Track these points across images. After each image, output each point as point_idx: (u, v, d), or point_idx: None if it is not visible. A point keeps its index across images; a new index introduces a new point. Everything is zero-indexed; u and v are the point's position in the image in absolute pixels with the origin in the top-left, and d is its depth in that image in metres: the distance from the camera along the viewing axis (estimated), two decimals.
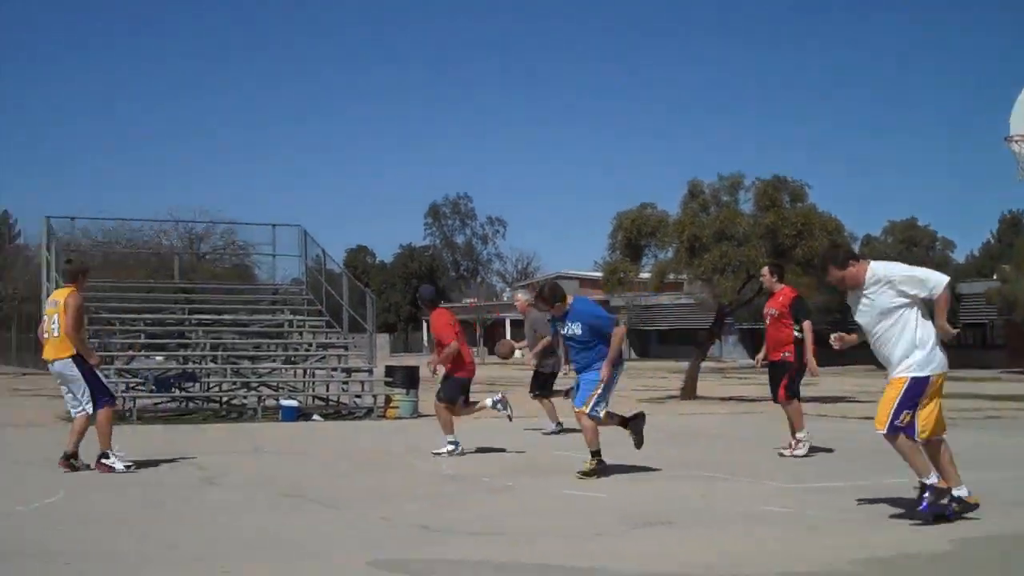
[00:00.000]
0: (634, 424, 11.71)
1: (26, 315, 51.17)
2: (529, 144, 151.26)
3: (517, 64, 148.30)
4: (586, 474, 11.09)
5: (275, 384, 22.17)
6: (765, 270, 13.75)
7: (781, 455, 12.92)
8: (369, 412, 20.84)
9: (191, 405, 21.11)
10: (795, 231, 25.37)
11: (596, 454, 11.28)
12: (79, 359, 11.49)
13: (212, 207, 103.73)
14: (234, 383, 22.19)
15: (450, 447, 13.40)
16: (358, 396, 22.01)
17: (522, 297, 18.08)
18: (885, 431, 8.26)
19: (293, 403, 19.98)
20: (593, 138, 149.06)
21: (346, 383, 22.45)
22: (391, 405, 20.57)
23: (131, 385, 20.72)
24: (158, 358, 24.05)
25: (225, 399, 21.77)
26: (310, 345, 23.53)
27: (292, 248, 26.84)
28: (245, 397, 21.61)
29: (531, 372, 17.33)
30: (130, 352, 22.43)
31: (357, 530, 8.42)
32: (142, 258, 44.82)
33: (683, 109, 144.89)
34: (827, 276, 8.81)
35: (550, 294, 11.74)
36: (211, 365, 21.89)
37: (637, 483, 10.92)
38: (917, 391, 8.24)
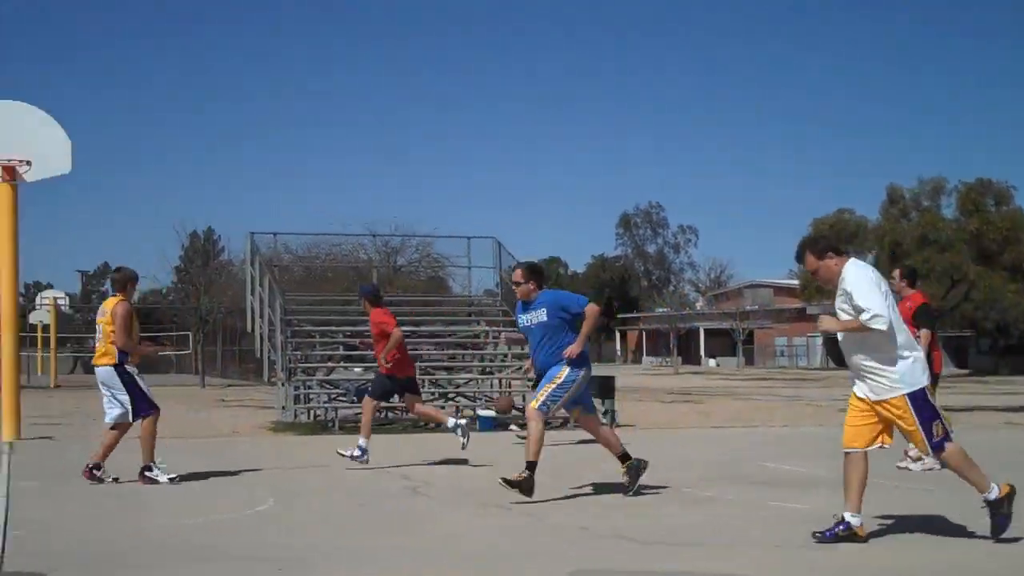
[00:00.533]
0: (634, 468, 10.64)
1: (231, 329, 52.82)
2: (721, 150, 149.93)
3: (708, 71, 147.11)
4: (510, 483, 10.02)
5: (472, 394, 22.40)
6: (896, 273, 13.23)
7: (929, 470, 12.49)
8: (565, 422, 20.83)
9: (390, 415, 21.46)
10: (1001, 235, 24.54)
11: (531, 466, 10.09)
12: (122, 369, 11.66)
13: (407, 220, 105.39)
14: (432, 394, 22.49)
15: (357, 452, 13.13)
16: None
17: None
18: (932, 454, 7.90)
19: (490, 413, 20.12)
20: (784, 142, 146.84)
21: None
22: None
23: (332, 396, 21.18)
24: (356, 369, 24.56)
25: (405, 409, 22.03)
26: (505, 355, 23.69)
27: (486, 260, 27.13)
28: (443, 407, 21.86)
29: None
30: (329, 363, 22.95)
31: (557, 539, 8.43)
32: (341, 271, 45.81)
33: (881, 109, 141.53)
34: (804, 263, 8.34)
35: (527, 271, 10.72)
36: None
37: (840, 495, 10.65)
38: (923, 402, 7.73)
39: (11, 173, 16.65)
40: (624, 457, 10.75)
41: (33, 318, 52.21)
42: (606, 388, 20.74)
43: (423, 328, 24.60)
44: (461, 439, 13.44)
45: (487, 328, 24.81)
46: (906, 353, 7.78)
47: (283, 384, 20.90)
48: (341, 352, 23.33)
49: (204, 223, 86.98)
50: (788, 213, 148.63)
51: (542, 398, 10.30)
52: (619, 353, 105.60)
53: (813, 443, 12.81)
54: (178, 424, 20.96)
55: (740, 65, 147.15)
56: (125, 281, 12.08)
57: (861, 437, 7.95)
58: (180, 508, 10.02)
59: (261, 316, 22.94)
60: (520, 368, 23.30)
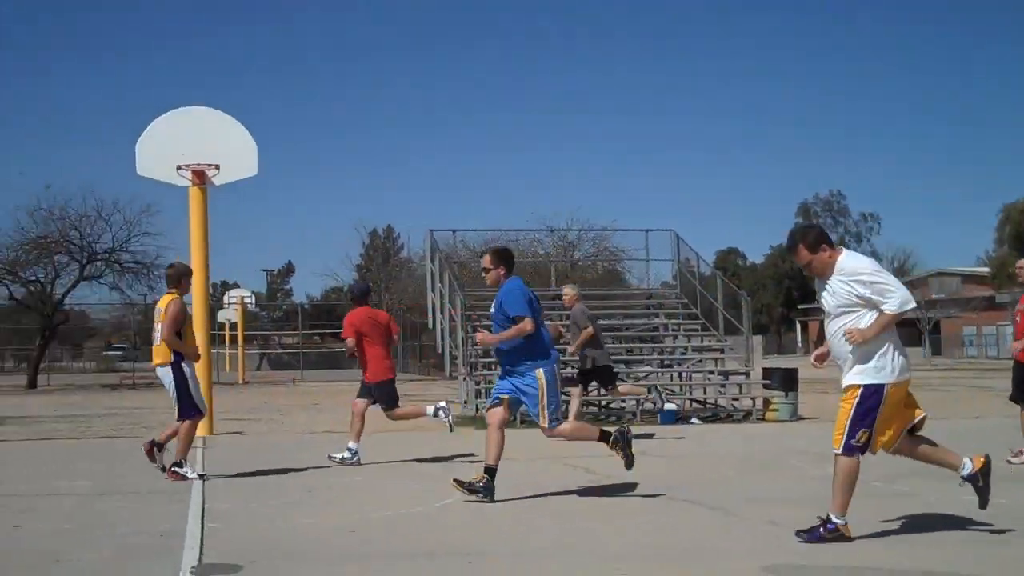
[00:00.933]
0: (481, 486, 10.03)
1: (410, 324, 53.63)
2: (905, 135, 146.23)
3: (889, 53, 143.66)
4: (628, 454, 10.29)
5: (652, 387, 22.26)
6: (1021, 262, 12.65)
7: (1010, 463, 11.98)
8: (747, 415, 20.63)
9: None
10: None
11: (604, 437, 10.36)
12: (176, 368, 11.69)
13: (584, 214, 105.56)
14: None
15: (347, 454, 13.24)
16: (735, 399, 21.82)
17: (569, 291, 17.69)
18: (840, 450, 7.69)
19: (672, 406, 19.98)
20: (973, 124, 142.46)
21: (723, 386, 22.31)
22: (770, 408, 20.29)
23: None
24: None
25: (604, 402, 22.03)
26: (685, 348, 23.52)
27: (664, 252, 27.05)
28: (623, 400, 21.78)
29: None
30: None
31: (746, 534, 8.30)
32: (518, 266, 46.05)
33: None
34: (795, 256, 8.07)
35: (494, 256, 10.58)
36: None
37: None
38: (871, 403, 7.61)
39: (201, 177, 17.18)
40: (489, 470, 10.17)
41: (221, 316, 53.90)
42: (788, 380, 20.44)
43: (601, 322, 24.53)
44: (446, 420, 13.73)
45: (666, 321, 24.67)
46: (886, 347, 7.69)
47: (464, 379, 21.11)
48: None
49: (384, 221, 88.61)
50: (977, 198, 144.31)
51: (546, 415, 10.08)
52: (800, 344, 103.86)
53: (1007, 435, 12.41)
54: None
55: (925, 47, 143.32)
56: (179, 276, 12.14)
57: (887, 441, 7.94)
58: (368, 502, 10.18)
59: (442, 312, 23.24)
60: (699, 360, 23.13)
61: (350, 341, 13.49)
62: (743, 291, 24.86)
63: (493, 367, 21.62)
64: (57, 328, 45.90)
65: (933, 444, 8.18)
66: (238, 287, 64.70)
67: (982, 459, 8.03)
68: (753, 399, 21.11)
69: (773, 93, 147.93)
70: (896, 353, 7.73)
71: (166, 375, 11.77)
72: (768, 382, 20.91)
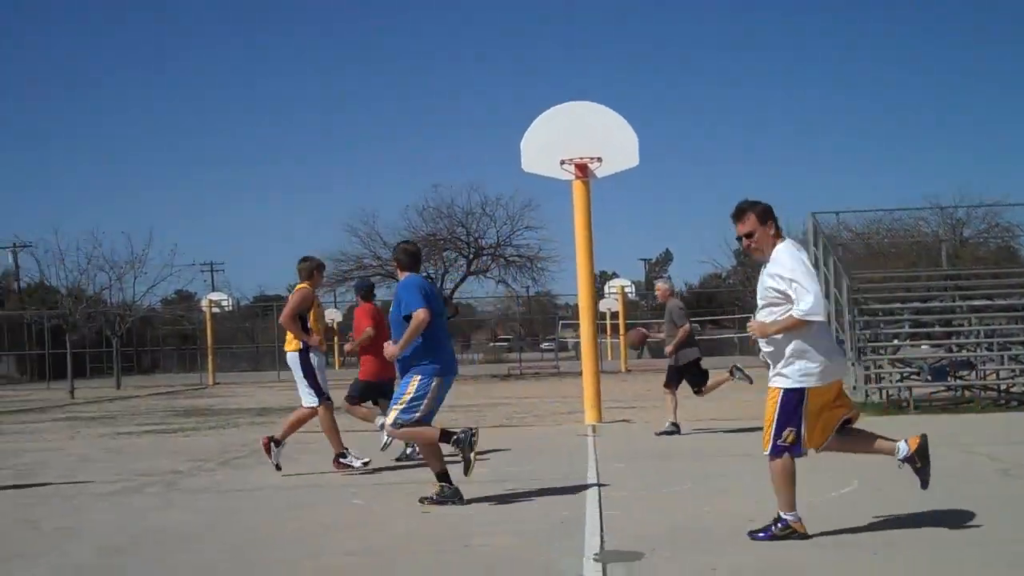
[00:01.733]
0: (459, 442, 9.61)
1: None
2: None
3: None
4: (428, 499, 9.69)
5: None
6: None
7: None
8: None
9: (967, 393, 20.58)
10: None
11: (441, 476, 9.73)
12: (304, 356, 11.92)
13: (973, 188, 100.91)
14: (1012, 370, 21.34)
15: (386, 439, 12.57)
16: None
17: (662, 285, 16.75)
18: (768, 452, 7.48)
19: None
20: None
21: None
22: None
23: (905, 375, 20.67)
24: (924, 346, 23.80)
25: (1003, 387, 20.96)
26: None
27: None
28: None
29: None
30: (895, 341, 22.38)
31: None
32: (901, 247, 44.62)
33: None
34: (741, 221, 7.55)
35: (400, 255, 10.15)
36: (985, 352, 21.24)
37: None
38: (793, 404, 7.37)
39: (584, 171, 17.54)
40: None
41: (603, 306, 54.80)
42: None
43: (998, 301, 23.39)
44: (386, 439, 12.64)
45: None
46: (811, 350, 7.37)
47: (853, 364, 20.62)
48: (907, 330, 22.71)
49: None
50: None
51: (393, 415, 9.63)
52: None
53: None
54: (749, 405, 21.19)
55: None
56: (311, 269, 12.46)
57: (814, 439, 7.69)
58: (761, 490, 9.95)
59: (827, 296, 22.75)
60: None
61: (370, 330, 13.38)
62: None
63: (882, 351, 21.06)
64: (448, 321, 47.92)
65: (865, 433, 7.90)
66: (617, 276, 65.51)
67: (917, 439, 7.84)
68: None
69: None
70: (822, 356, 7.40)
71: (293, 361, 12.22)
72: None
